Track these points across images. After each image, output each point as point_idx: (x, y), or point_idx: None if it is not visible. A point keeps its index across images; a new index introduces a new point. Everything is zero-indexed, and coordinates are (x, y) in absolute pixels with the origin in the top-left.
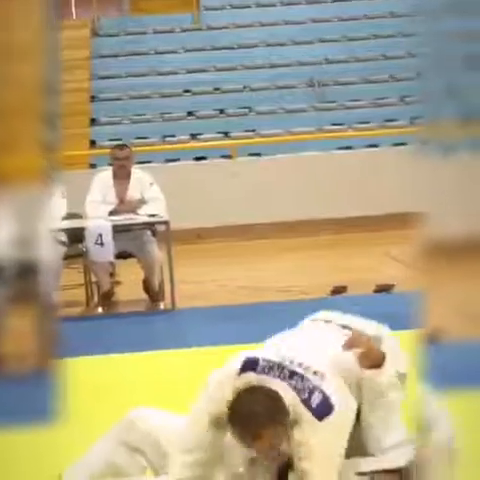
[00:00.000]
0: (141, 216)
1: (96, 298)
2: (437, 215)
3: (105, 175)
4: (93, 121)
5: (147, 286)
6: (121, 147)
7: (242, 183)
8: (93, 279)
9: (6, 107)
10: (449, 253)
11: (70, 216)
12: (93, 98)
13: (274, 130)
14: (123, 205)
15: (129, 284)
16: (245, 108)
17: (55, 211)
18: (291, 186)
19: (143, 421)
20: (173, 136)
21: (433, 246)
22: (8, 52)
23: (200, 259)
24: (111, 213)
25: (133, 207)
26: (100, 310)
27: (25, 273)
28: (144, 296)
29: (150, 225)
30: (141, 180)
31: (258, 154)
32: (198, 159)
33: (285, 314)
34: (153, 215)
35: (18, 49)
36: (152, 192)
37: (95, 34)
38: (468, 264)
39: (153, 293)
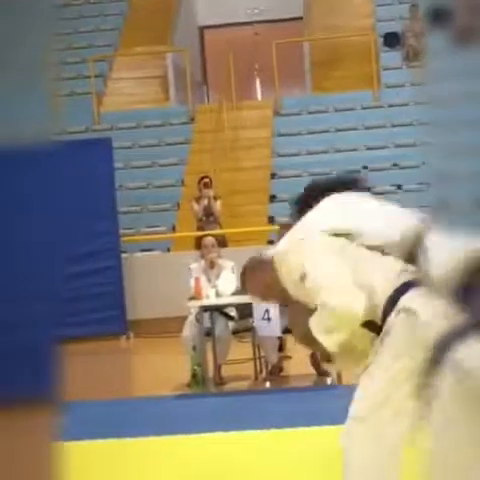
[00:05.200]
0: None
1: (264, 372)
2: None
3: None
4: (272, 198)
5: (315, 361)
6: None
7: None
8: (262, 353)
9: (240, 187)
10: None
11: (241, 291)
12: (273, 175)
13: None
14: None
15: (299, 358)
16: (422, 184)
17: (226, 286)
18: None
19: None
20: None
21: None
22: (241, 145)
23: None
24: None
25: None
26: (268, 385)
27: None
28: (313, 371)
29: None
30: None
31: None
32: None
33: None
34: None
35: (245, 142)
36: None
37: (277, 113)
38: None
39: (320, 368)
